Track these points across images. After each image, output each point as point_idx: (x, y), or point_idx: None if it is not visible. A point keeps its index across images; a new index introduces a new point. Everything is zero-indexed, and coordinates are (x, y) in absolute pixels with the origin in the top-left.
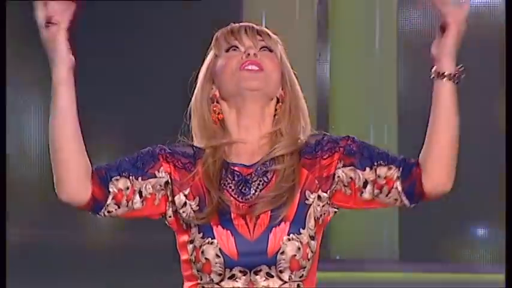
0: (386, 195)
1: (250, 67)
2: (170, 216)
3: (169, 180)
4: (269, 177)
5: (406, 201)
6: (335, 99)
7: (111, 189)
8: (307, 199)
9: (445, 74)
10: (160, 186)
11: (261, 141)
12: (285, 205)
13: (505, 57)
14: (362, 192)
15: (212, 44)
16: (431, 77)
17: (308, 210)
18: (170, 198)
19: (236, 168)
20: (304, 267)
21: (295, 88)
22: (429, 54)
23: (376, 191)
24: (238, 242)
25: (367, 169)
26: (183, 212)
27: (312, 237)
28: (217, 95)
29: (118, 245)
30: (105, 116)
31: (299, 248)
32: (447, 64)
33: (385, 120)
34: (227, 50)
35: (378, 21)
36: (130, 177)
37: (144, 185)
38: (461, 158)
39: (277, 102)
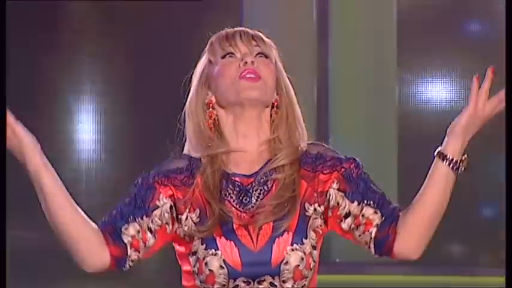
0: (360, 235)
1: (248, 76)
2: (175, 231)
3: (172, 204)
4: (269, 186)
5: (373, 250)
6: (336, 100)
7: (125, 240)
8: (307, 211)
9: (446, 156)
10: (167, 213)
11: (260, 148)
12: (287, 216)
13: (505, 57)
14: (341, 221)
15: (206, 49)
16: (434, 152)
17: (308, 221)
18: (176, 218)
19: (237, 179)
20: (307, 277)
21: (290, 93)
22: (430, 53)
23: (353, 225)
24: (242, 252)
25: (355, 203)
26: (185, 225)
27: (314, 247)
28: (213, 100)
29: None
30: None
31: (302, 258)
32: (452, 146)
33: (385, 122)
34: (223, 57)
35: (378, 22)
36: (137, 219)
37: (150, 221)
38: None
39: (272, 107)
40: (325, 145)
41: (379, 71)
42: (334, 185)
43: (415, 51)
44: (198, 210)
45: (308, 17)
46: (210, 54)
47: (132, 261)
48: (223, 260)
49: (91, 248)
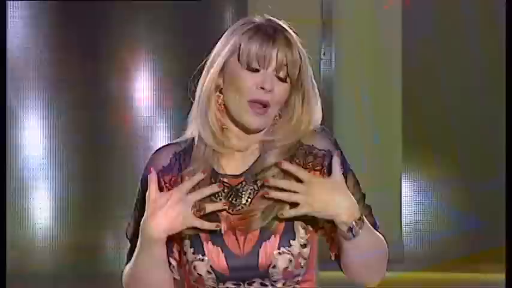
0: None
1: (258, 109)
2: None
3: None
4: (259, 184)
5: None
6: (340, 98)
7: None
8: None
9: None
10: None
11: (254, 146)
12: (275, 218)
13: (505, 58)
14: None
15: (236, 42)
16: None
17: (295, 220)
18: None
19: (225, 180)
20: (298, 274)
21: (305, 90)
22: (434, 50)
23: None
24: (229, 258)
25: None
26: None
27: (304, 245)
28: (222, 86)
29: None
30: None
31: (291, 260)
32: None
33: (389, 119)
34: (247, 68)
35: (382, 20)
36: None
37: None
38: (462, 160)
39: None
40: (325, 130)
41: (383, 67)
42: None
43: (420, 37)
44: None
45: (313, 14)
46: (240, 54)
47: None
48: (210, 266)
49: None
